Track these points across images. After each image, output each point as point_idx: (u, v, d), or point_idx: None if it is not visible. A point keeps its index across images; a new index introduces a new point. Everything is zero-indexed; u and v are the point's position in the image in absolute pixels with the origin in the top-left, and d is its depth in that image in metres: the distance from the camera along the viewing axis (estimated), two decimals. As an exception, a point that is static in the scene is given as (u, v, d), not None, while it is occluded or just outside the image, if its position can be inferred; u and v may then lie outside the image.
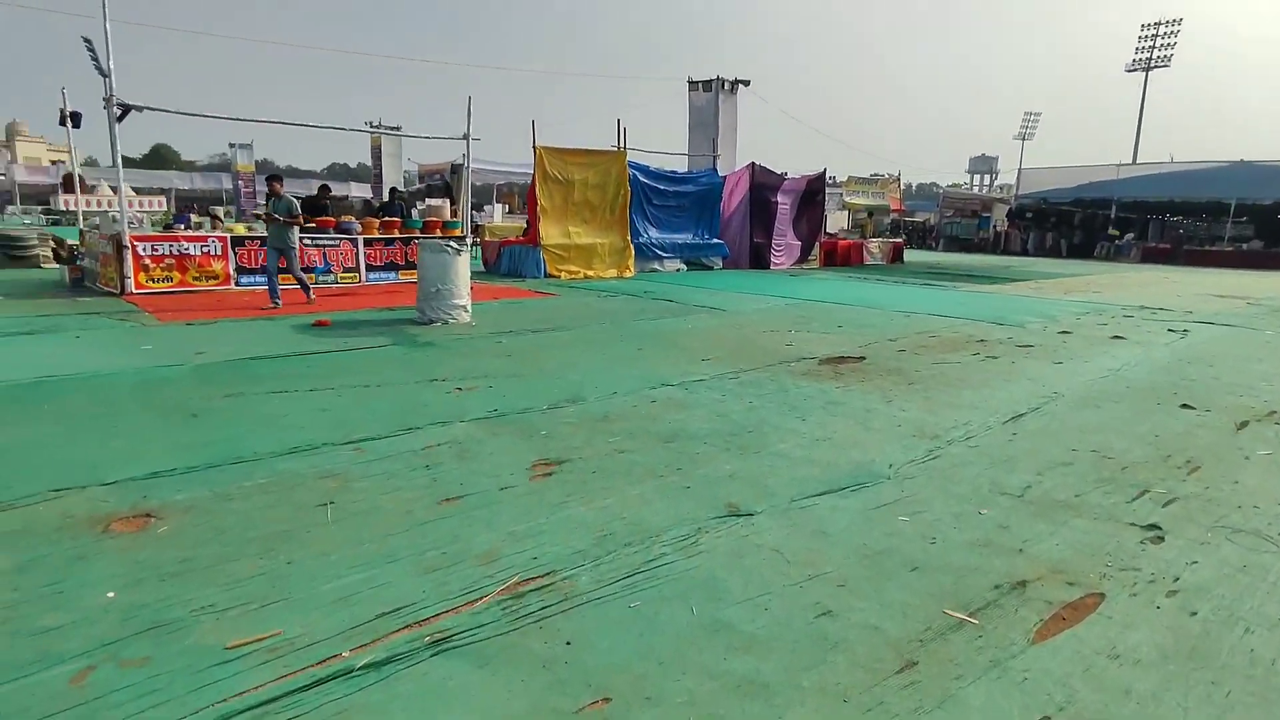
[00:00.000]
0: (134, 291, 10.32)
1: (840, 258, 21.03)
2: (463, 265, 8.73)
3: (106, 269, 10.67)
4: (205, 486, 3.58)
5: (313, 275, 11.92)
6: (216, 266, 11.07)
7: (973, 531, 3.23)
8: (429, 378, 5.87)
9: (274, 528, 3.15)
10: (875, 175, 26.71)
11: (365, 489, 3.60)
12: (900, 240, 23.95)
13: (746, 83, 20.92)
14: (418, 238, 12.18)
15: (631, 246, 16.00)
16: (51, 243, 14.59)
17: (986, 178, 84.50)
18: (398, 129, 31.97)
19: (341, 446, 4.21)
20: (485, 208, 37.53)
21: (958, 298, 12.92)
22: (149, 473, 3.74)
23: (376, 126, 31.60)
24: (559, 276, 14.62)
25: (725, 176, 18.33)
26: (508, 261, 15.22)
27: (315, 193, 13.25)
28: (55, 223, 31.31)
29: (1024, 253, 31.88)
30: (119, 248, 10.31)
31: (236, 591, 2.61)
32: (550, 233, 14.89)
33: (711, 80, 21.14)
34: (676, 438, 4.48)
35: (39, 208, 37.79)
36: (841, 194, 28.14)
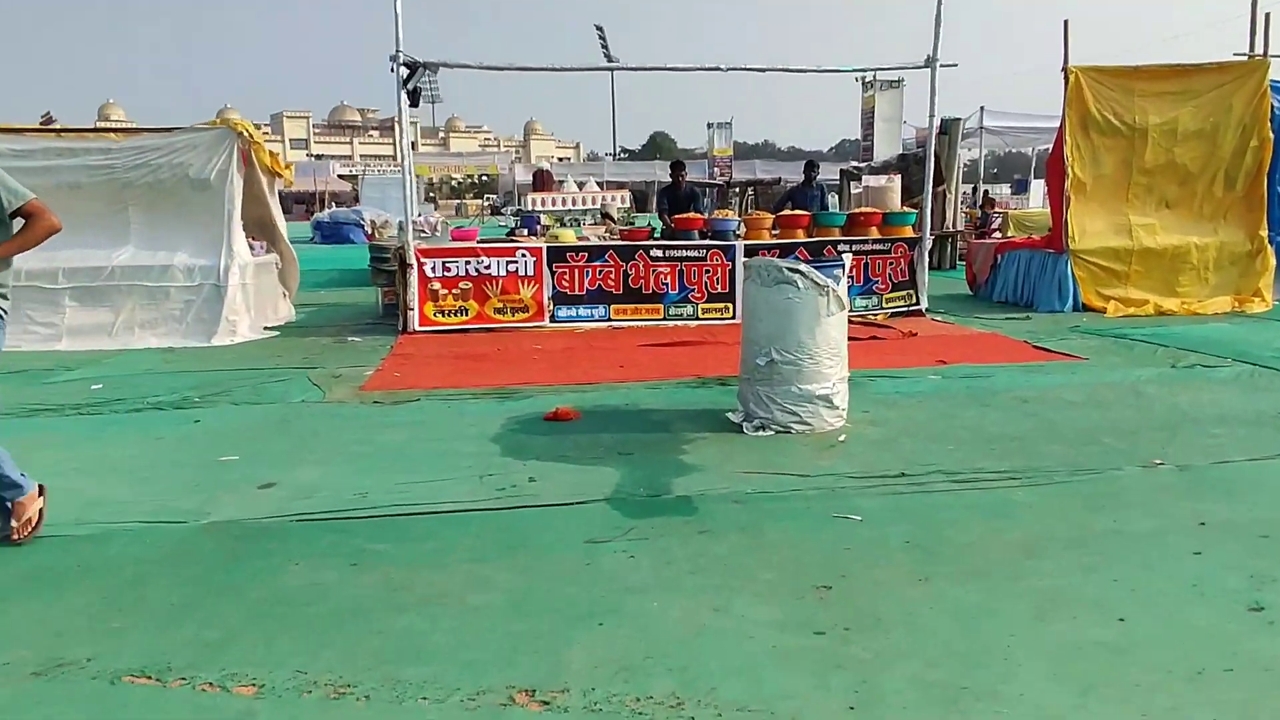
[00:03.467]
0: (417, 329, 9.42)
1: None
2: (831, 313, 5.48)
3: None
4: None
5: (658, 307, 9.76)
6: (526, 293, 9.59)
7: None
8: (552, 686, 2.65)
9: None
10: None
11: None
12: None
13: None
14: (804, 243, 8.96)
15: (1271, 250, 10.42)
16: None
17: None
18: (896, 83, 29.47)
19: None
20: (1029, 186, 32.89)
21: None
22: None
23: (870, 81, 29.67)
24: (1102, 310, 10.28)
25: None
26: (1007, 280, 11.47)
27: (669, 178, 11.16)
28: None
29: None
30: (403, 266, 9.46)
31: None
32: (1088, 228, 10.46)
33: None
34: None
35: (512, 208, 45.16)
36: None
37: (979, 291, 12.25)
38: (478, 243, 10.18)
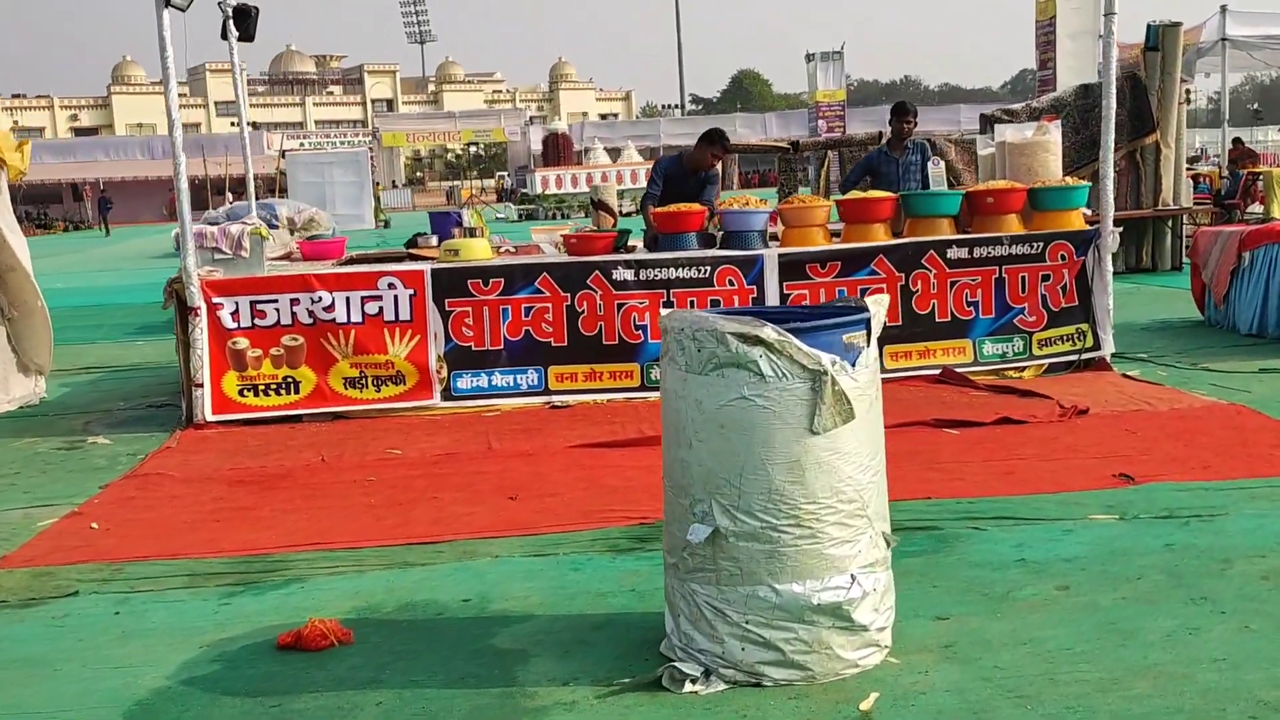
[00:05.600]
0: (209, 419, 8.78)
1: None
2: (839, 425, 4.09)
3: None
4: None
5: (632, 368, 9.06)
6: (398, 351, 9.03)
7: None
8: None
9: None
10: None
11: None
12: None
13: None
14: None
15: None
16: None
17: None
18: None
19: None
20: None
21: None
22: None
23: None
24: None
25: None
26: (1263, 296, 10.68)
27: (708, 149, 10.02)
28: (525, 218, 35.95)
29: None
30: (183, 312, 8.83)
31: None
32: None
33: None
34: None
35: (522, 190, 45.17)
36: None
37: (1214, 315, 11.32)
38: (333, 268, 9.56)
